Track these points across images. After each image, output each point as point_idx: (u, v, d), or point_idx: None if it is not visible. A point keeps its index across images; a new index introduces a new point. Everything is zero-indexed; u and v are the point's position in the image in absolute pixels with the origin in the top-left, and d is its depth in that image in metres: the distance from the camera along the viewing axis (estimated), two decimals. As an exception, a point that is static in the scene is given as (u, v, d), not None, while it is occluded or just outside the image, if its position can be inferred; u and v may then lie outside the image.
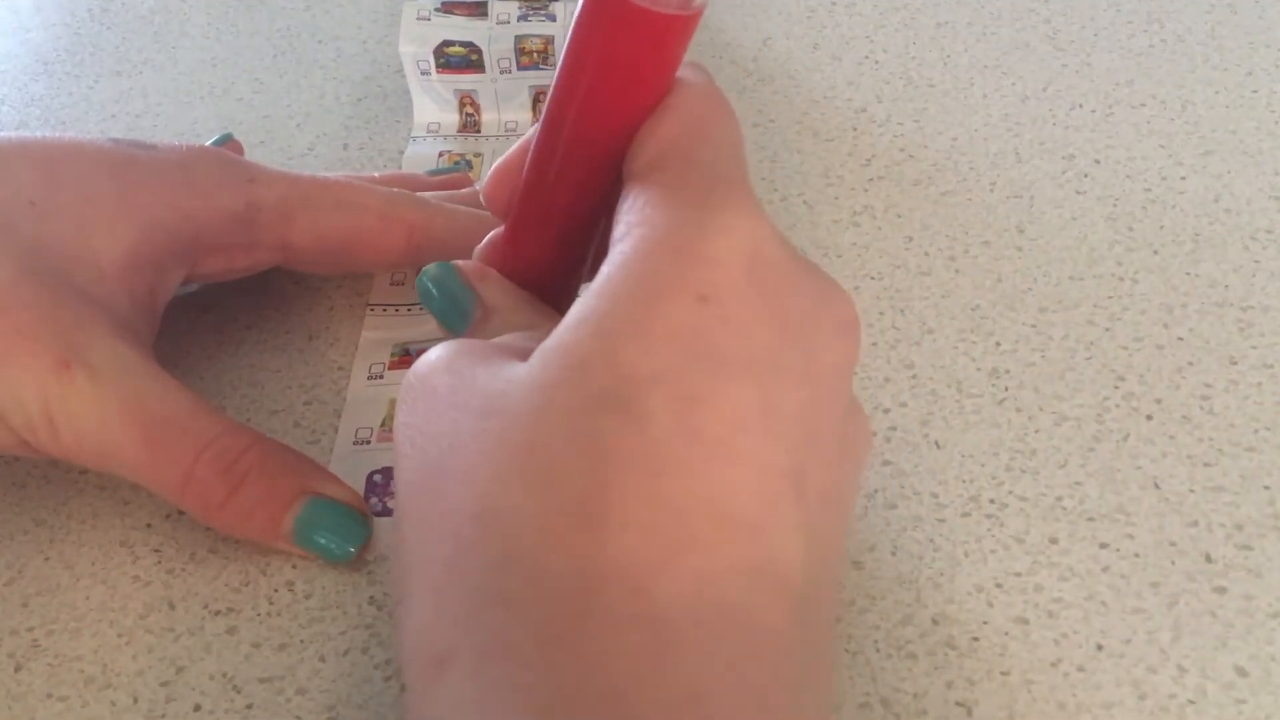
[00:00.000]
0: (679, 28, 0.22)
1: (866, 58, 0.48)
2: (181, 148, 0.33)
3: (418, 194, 0.36)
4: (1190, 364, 0.34)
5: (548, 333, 0.24)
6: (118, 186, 0.31)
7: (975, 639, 0.27)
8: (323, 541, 0.28)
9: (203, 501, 0.28)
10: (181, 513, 0.31)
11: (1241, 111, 0.44)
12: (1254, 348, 0.34)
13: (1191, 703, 0.26)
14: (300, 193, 0.33)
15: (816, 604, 0.21)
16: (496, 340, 0.24)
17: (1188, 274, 0.37)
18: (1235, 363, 0.34)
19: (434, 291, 0.27)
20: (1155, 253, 0.38)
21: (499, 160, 0.27)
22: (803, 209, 0.40)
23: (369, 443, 0.33)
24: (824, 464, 0.21)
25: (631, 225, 0.22)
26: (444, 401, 0.22)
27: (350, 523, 0.29)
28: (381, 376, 0.35)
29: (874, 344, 0.35)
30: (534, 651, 0.18)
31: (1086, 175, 0.41)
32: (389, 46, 0.51)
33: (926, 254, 0.38)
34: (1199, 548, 0.29)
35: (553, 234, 0.27)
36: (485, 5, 0.43)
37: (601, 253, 0.23)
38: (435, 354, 0.23)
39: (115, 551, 0.30)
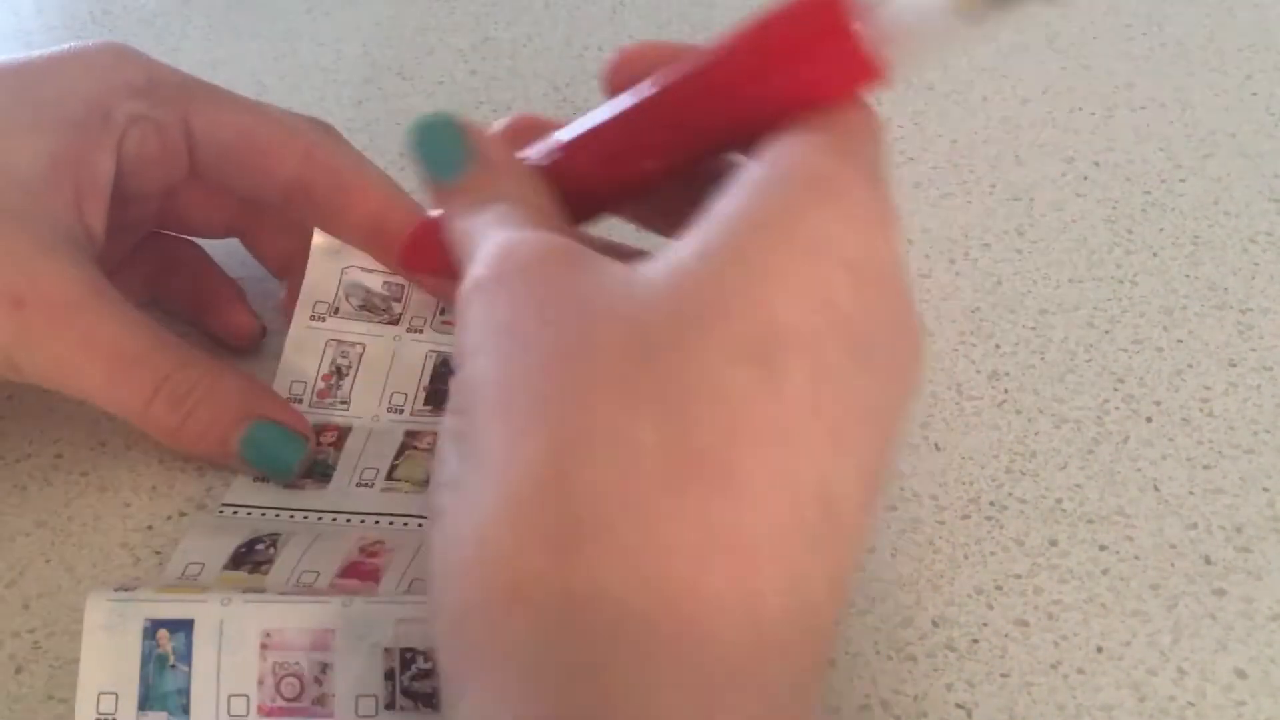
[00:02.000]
0: (870, 77, 0.22)
1: (866, 60, 0.48)
2: (78, 45, 0.32)
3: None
4: (1190, 366, 0.34)
5: (560, 220, 0.23)
6: (17, 90, 0.30)
7: (975, 641, 0.27)
8: (265, 460, 0.30)
9: (159, 427, 0.29)
10: (183, 514, 0.31)
11: (1241, 114, 0.44)
12: (1253, 350, 0.34)
13: (1191, 705, 0.26)
14: (205, 85, 0.32)
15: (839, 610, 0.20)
16: (558, 237, 0.22)
17: (1187, 276, 0.37)
18: (1234, 365, 0.34)
19: (422, 136, 0.26)
20: (1155, 255, 0.38)
21: (648, 42, 0.26)
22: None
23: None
24: (886, 474, 0.21)
25: (786, 163, 0.21)
26: (554, 291, 0.20)
27: (290, 443, 0.30)
28: (324, 319, 0.34)
29: (874, 346, 0.35)
30: (629, 619, 0.17)
31: (1086, 178, 0.42)
32: (390, 49, 0.52)
33: (926, 256, 0.38)
34: (1198, 550, 0.29)
35: (644, 146, 0.25)
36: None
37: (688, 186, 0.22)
38: (527, 240, 0.21)
39: (116, 553, 0.30)
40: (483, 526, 0.18)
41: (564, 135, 0.26)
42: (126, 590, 0.25)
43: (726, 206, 0.20)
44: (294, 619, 0.24)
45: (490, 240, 0.22)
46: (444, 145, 0.25)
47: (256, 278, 0.36)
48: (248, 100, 0.33)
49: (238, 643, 0.24)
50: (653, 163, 0.25)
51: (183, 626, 0.24)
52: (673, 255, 0.20)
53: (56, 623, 0.28)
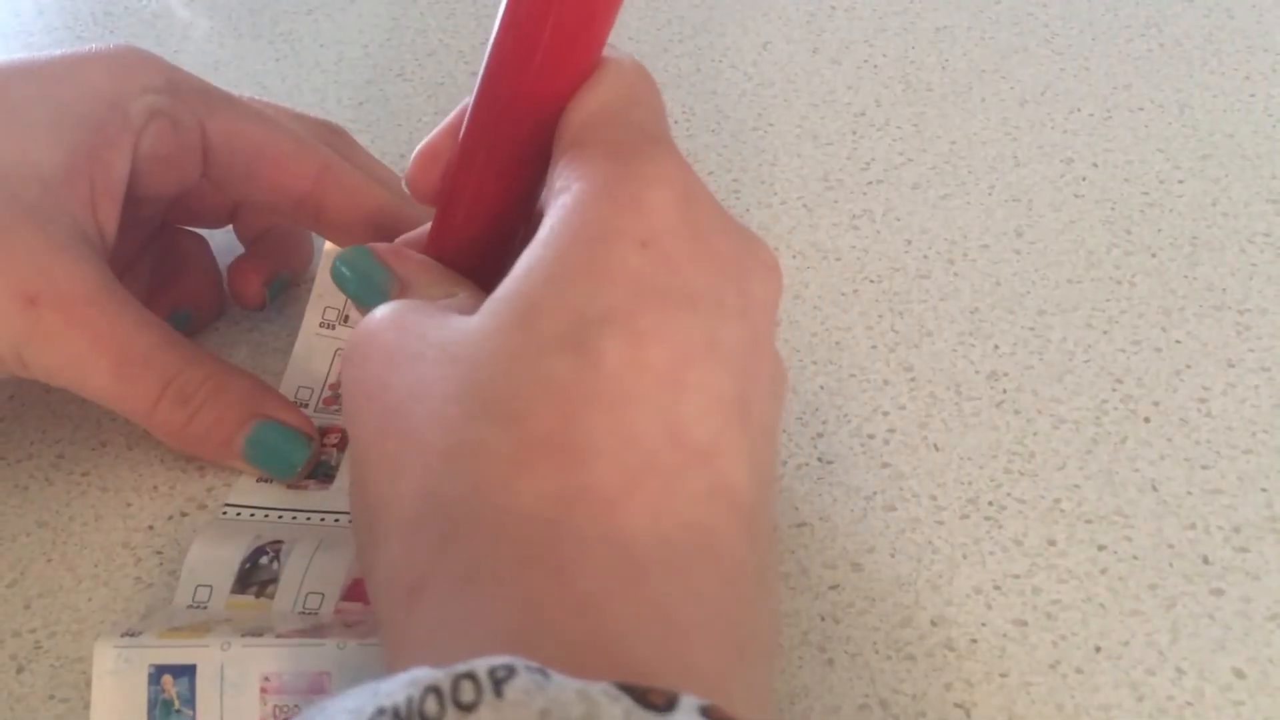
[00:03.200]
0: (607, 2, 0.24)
1: (865, 62, 0.49)
2: (98, 45, 0.32)
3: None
4: (1188, 367, 0.34)
5: (473, 296, 0.24)
6: (38, 88, 0.30)
7: (974, 641, 0.27)
8: (268, 460, 0.30)
9: (164, 426, 0.30)
10: (185, 514, 0.31)
11: (1239, 115, 0.44)
12: (1251, 350, 0.34)
13: (1189, 704, 0.26)
14: (223, 93, 0.33)
15: (763, 524, 0.22)
16: (406, 302, 0.25)
17: (1186, 277, 0.37)
18: (1233, 365, 0.34)
19: (347, 272, 0.27)
20: (1153, 256, 0.38)
21: (421, 143, 0.28)
22: (802, 212, 0.40)
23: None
24: (760, 396, 0.23)
25: (570, 180, 0.23)
26: (397, 354, 0.23)
27: (294, 443, 0.30)
28: (333, 327, 0.34)
29: (873, 347, 0.35)
30: (509, 571, 0.19)
31: (1085, 179, 0.42)
32: (391, 50, 0.52)
33: (925, 257, 0.38)
34: (1197, 550, 0.29)
35: (482, 213, 0.27)
36: None
37: (532, 227, 0.24)
38: (378, 313, 0.24)
39: (118, 553, 0.30)
40: (389, 561, 0.21)
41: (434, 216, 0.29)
42: (132, 635, 0.25)
43: (533, 239, 0.23)
44: (292, 663, 0.25)
45: (363, 318, 0.25)
46: (366, 279, 0.27)
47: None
48: (263, 109, 0.33)
49: (239, 687, 0.25)
50: (496, 172, 0.26)
51: (186, 671, 0.25)
52: (494, 293, 0.22)
53: (58, 622, 0.29)
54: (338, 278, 0.28)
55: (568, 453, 0.20)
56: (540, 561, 0.19)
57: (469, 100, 0.26)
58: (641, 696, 0.16)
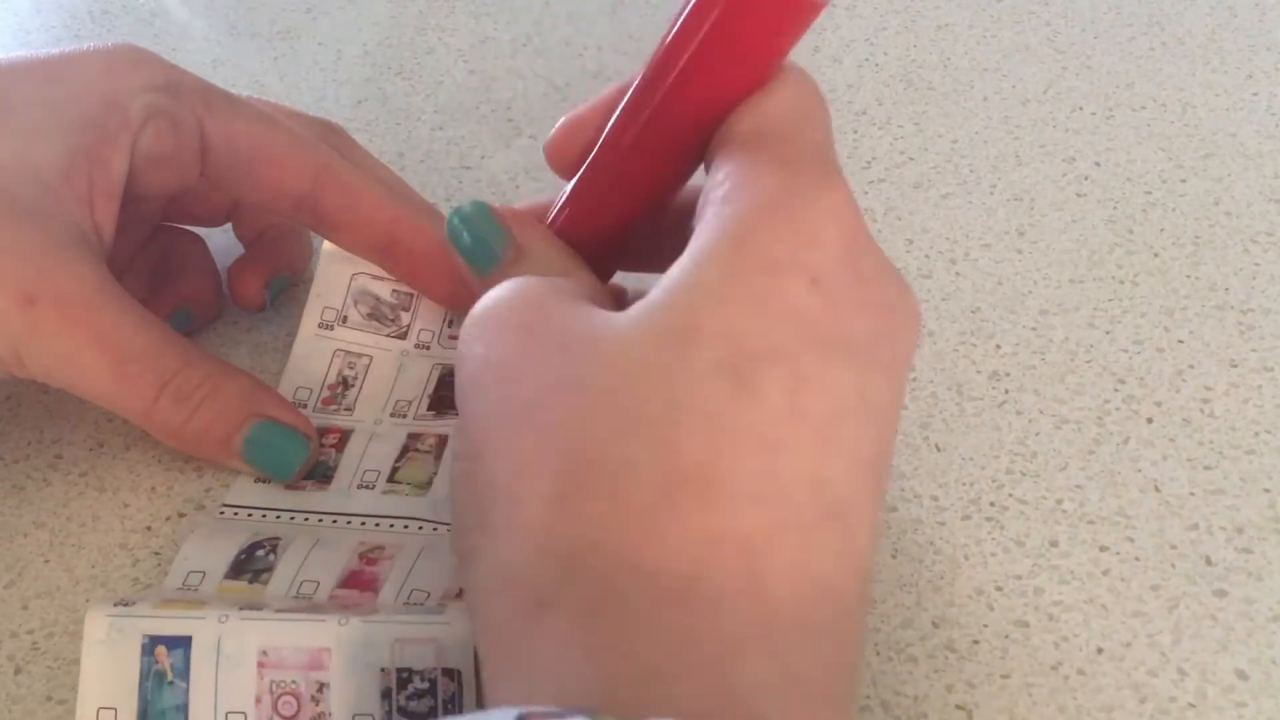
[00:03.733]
0: (807, 11, 0.23)
1: (866, 60, 0.48)
2: (97, 44, 0.32)
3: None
4: (1190, 367, 0.34)
5: (590, 281, 0.23)
6: (36, 86, 0.30)
7: (975, 642, 0.27)
8: (267, 459, 0.30)
9: (162, 426, 0.29)
10: (183, 515, 0.31)
11: (1242, 114, 0.44)
12: (1254, 350, 0.34)
13: (1192, 706, 0.26)
14: (222, 92, 0.33)
15: (870, 588, 0.22)
16: (546, 279, 0.24)
17: (1188, 277, 0.37)
18: (1235, 366, 0.34)
19: (462, 229, 0.27)
20: (1155, 255, 0.38)
21: (571, 112, 0.27)
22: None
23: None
24: (891, 455, 0.22)
25: (738, 189, 0.22)
26: (532, 336, 0.22)
27: (292, 443, 0.30)
28: (331, 329, 0.34)
29: (874, 347, 0.35)
30: (645, 608, 0.19)
31: (1087, 178, 0.41)
32: (389, 49, 0.52)
33: (927, 256, 0.38)
34: (1199, 551, 0.29)
35: (617, 197, 0.26)
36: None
37: (674, 226, 0.23)
38: (510, 287, 0.23)
39: (115, 554, 0.30)
40: (508, 561, 0.20)
41: (565, 191, 0.28)
42: (126, 605, 0.25)
43: (690, 246, 0.22)
44: (290, 637, 0.24)
45: (492, 289, 0.23)
46: (481, 238, 0.27)
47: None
48: (262, 109, 0.33)
49: (235, 661, 0.24)
50: (645, 163, 0.26)
51: (181, 643, 0.24)
52: (647, 297, 0.21)
53: (55, 623, 0.28)
54: (451, 232, 0.27)
55: (717, 491, 0.19)
56: (680, 603, 0.19)
57: (631, 79, 0.25)
58: None
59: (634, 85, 0.25)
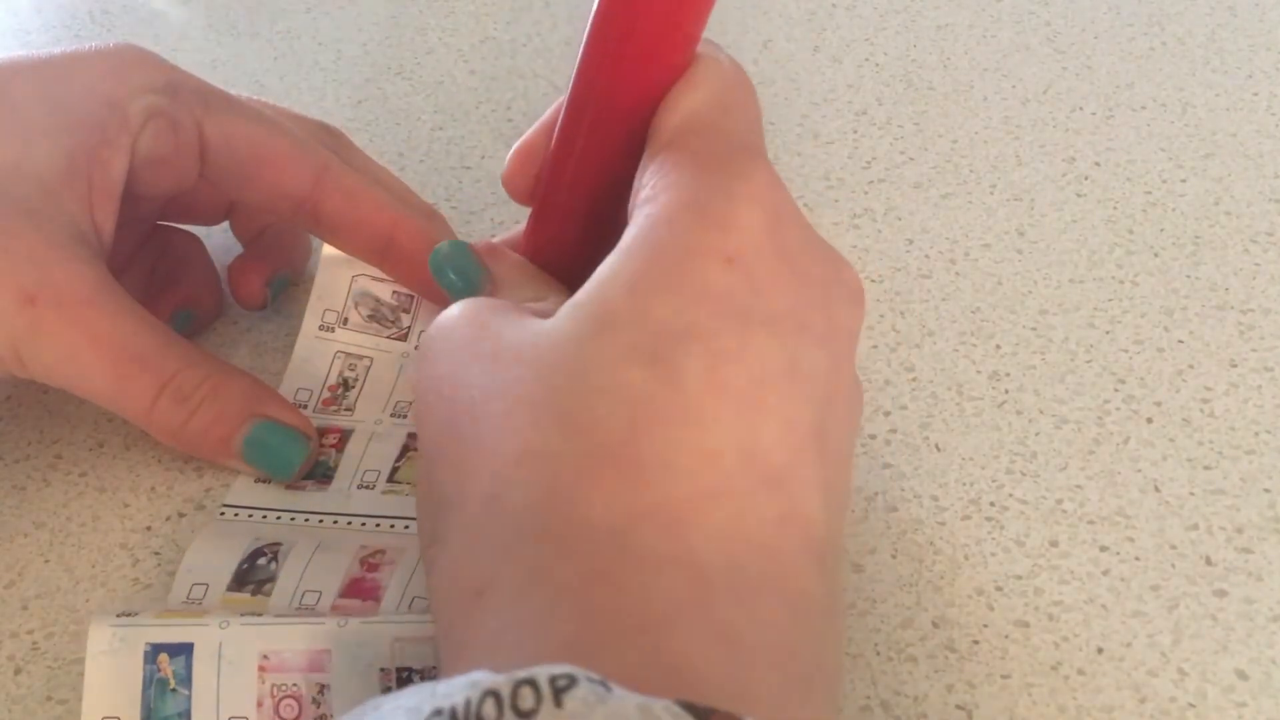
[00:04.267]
0: None
1: (867, 60, 0.48)
2: (98, 44, 0.32)
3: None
4: (1190, 367, 0.34)
5: (559, 300, 0.24)
6: (36, 87, 0.30)
7: (975, 642, 0.27)
8: (267, 460, 0.30)
9: (162, 426, 0.29)
10: (183, 515, 0.31)
11: (1242, 114, 0.44)
12: (1254, 350, 0.34)
13: (1192, 706, 0.26)
14: (222, 94, 0.33)
15: (834, 558, 0.21)
16: (509, 301, 0.25)
17: (1188, 277, 0.37)
18: (1235, 365, 0.34)
19: (445, 268, 0.28)
20: (1156, 255, 0.38)
21: (518, 142, 0.27)
22: (803, 211, 0.40)
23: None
24: (838, 423, 0.22)
25: (658, 189, 0.23)
26: (471, 352, 0.23)
27: (292, 443, 0.30)
28: (332, 330, 0.34)
29: (874, 347, 0.35)
30: (573, 582, 0.19)
31: (1087, 178, 0.41)
32: (389, 49, 0.52)
33: (927, 257, 0.38)
34: (1199, 551, 0.29)
35: (577, 212, 0.27)
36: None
37: (622, 227, 0.23)
38: (456, 310, 0.24)
39: (115, 554, 0.30)
40: (453, 561, 0.21)
41: (530, 216, 0.29)
42: (129, 615, 0.25)
43: (615, 247, 0.23)
44: (290, 640, 0.24)
45: (441, 312, 0.25)
46: (463, 276, 0.28)
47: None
48: (263, 110, 0.33)
49: (236, 665, 0.24)
50: (590, 172, 0.26)
51: (183, 650, 0.24)
52: (573, 298, 0.22)
53: (55, 623, 0.28)
54: (434, 270, 0.28)
55: (639, 467, 0.20)
56: (606, 575, 0.19)
57: (564, 97, 0.26)
58: (704, 717, 0.16)
59: (564, 103, 0.25)
